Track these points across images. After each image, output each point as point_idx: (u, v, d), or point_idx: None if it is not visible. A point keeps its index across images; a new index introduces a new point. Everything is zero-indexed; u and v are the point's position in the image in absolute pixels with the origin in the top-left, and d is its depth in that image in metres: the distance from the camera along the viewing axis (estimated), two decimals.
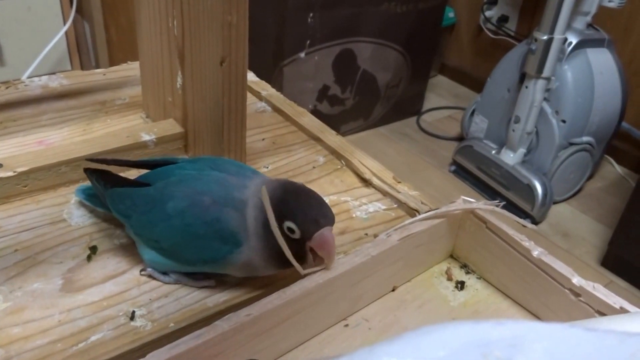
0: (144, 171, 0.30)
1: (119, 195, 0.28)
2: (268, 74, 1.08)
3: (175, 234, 0.26)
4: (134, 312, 0.26)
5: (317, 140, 0.42)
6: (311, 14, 1.07)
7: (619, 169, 1.25)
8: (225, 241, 0.25)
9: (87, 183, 0.32)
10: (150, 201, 0.27)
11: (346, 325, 0.27)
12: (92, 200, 0.31)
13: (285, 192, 0.25)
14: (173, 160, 0.30)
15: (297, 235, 0.24)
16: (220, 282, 0.28)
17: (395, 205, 0.36)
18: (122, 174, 0.31)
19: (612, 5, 0.97)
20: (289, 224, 0.24)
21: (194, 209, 0.26)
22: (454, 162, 1.21)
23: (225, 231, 0.25)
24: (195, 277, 0.28)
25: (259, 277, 0.28)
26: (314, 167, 0.39)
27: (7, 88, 0.43)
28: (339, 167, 0.40)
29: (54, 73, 0.45)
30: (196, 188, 0.26)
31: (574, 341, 0.13)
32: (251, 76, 0.48)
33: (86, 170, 0.30)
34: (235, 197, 0.26)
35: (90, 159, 0.32)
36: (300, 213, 0.24)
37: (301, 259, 0.25)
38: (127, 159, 0.31)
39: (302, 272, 0.25)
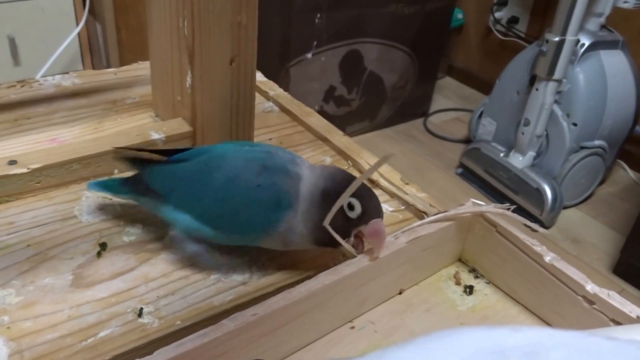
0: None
1: (160, 171, 0.28)
2: (274, 75, 1.08)
3: (227, 201, 0.26)
4: (141, 309, 0.26)
5: (324, 140, 0.42)
6: (318, 15, 1.07)
7: (631, 174, 1.23)
8: (278, 204, 0.26)
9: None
10: (195, 172, 0.27)
11: (352, 328, 0.27)
12: (113, 188, 0.31)
13: (351, 176, 0.27)
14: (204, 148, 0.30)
15: (355, 214, 0.25)
16: (226, 280, 0.28)
17: (403, 207, 0.35)
18: None
19: (627, 6, 0.96)
20: (351, 200, 0.25)
21: (246, 175, 0.26)
22: (461, 165, 1.20)
23: (280, 194, 0.26)
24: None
25: (266, 275, 0.29)
26: None
27: (22, 87, 0.43)
28: (346, 167, 0.40)
29: (66, 72, 0.46)
30: (243, 157, 0.27)
31: (593, 350, 0.13)
32: (259, 76, 0.48)
33: (117, 156, 0.30)
34: (289, 169, 0.26)
35: (118, 147, 0.32)
36: (366, 195, 0.26)
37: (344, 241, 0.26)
38: (154, 148, 0.32)
39: (355, 254, 0.25)
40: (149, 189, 0.28)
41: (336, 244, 0.26)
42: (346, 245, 0.25)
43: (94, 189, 0.31)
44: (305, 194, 0.26)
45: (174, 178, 0.27)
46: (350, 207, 0.25)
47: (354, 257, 0.26)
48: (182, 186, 0.27)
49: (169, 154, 0.30)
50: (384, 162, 0.23)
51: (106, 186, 0.31)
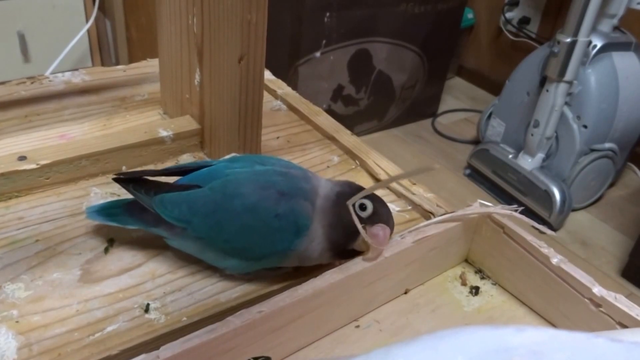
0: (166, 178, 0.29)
1: (172, 200, 0.26)
2: (283, 73, 1.08)
3: (247, 230, 0.26)
4: (148, 304, 0.26)
5: (332, 139, 0.42)
6: (328, 14, 1.07)
7: None
8: (297, 230, 0.26)
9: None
10: (212, 201, 0.26)
11: (357, 326, 0.27)
12: (118, 218, 0.28)
13: (361, 186, 0.28)
14: (206, 163, 0.29)
15: (366, 214, 0.26)
16: (232, 277, 0.28)
17: (410, 207, 0.35)
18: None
19: None
20: (363, 200, 0.26)
21: (264, 203, 0.26)
22: (469, 166, 1.20)
23: (298, 220, 0.26)
24: (270, 267, 0.28)
25: (274, 274, 0.29)
26: (328, 167, 0.39)
27: (32, 83, 0.44)
28: (354, 167, 0.40)
29: (76, 69, 0.47)
30: (260, 183, 0.26)
31: (599, 352, 0.13)
32: (267, 74, 0.48)
33: (118, 180, 0.28)
34: (303, 188, 0.27)
35: (117, 176, 0.29)
36: (378, 200, 0.27)
37: (353, 240, 0.26)
38: (154, 170, 0.29)
39: (367, 238, 0.26)
40: (160, 220, 0.27)
41: (347, 245, 0.26)
42: (362, 231, 0.26)
43: (95, 219, 0.29)
44: (322, 198, 0.27)
45: (190, 208, 0.26)
46: (362, 207, 0.26)
47: (366, 250, 0.26)
48: (200, 217, 0.26)
49: (168, 174, 0.29)
50: (420, 172, 0.24)
51: (109, 215, 0.28)
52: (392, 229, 0.27)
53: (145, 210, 0.28)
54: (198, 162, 0.30)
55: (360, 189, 0.27)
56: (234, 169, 0.27)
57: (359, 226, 0.25)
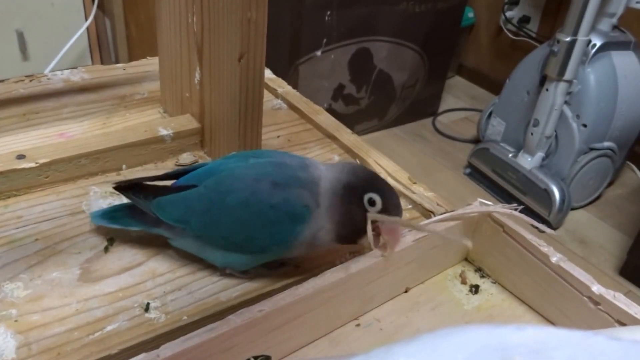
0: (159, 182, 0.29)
1: (170, 202, 0.27)
2: (283, 72, 1.08)
3: (244, 225, 0.26)
4: (148, 304, 0.26)
5: (333, 138, 0.42)
6: (328, 12, 1.07)
7: None
8: (295, 220, 0.26)
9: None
10: (207, 199, 0.26)
11: (357, 325, 0.27)
12: (121, 221, 0.29)
13: (370, 171, 0.27)
14: (204, 164, 0.29)
15: (375, 209, 0.25)
16: (233, 276, 0.28)
17: (410, 206, 0.35)
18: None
19: None
20: (372, 195, 0.25)
21: (258, 196, 0.26)
22: (469, 165, 1.20)
23: (294, 210, 0.25)
24: (271, 266, 0.28)
25: (274, 273, 0.29)
26: None
27: (30, 81, 0.44)
28: None
29: (75, 67, 0.46)
30: (252, 176, 0.26)
31: (598, 350, 0.13)
32: (268, 73, 0.48)
33: (117, 188, 0.29)
34: (299, 177, 0.26)
35: (117, 185, 0.29)
36: (387, 191, 0.26)
37: (361, 237, 0.26)
38: (152, 175, 0.29)
39: (373, 246, 0.26)
40: (161, 221, 0.27)
41: (355, 240, 0.26)
42: (370, 235, 0.25)
43: (100, 223, 0.29)
44: (328, 190, 0.26)
45: (187, 208, 0.26)
46: (371, 202, 0.25)
47: (371, 250, 0.26)
48: (196, 216, 0.26)
49: (167, 178, 0.29)
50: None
51: (113, 218, 0.29)
52: (400, 217, 0.26)
53: (146, 212, 0.28)
54: (196, 164, 0.30)
55: (366, 173, 0.26)
56: (228, 165, 0.27)
57: (371, 240, 0.25)
